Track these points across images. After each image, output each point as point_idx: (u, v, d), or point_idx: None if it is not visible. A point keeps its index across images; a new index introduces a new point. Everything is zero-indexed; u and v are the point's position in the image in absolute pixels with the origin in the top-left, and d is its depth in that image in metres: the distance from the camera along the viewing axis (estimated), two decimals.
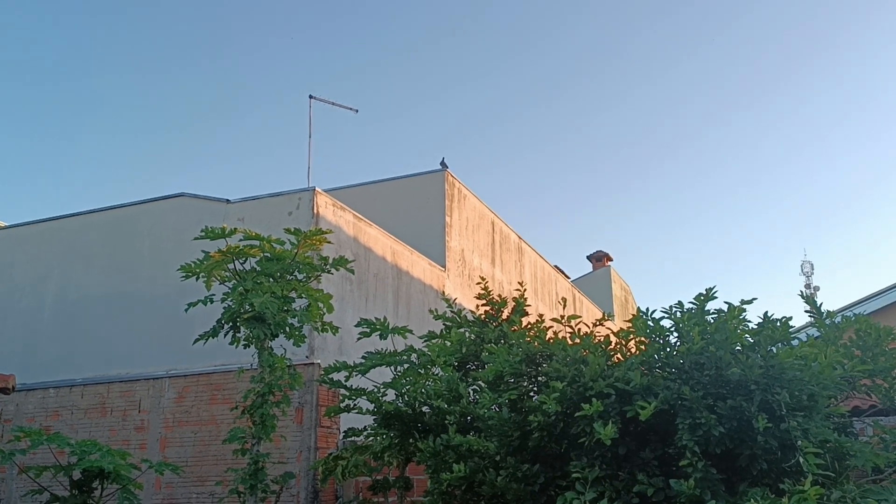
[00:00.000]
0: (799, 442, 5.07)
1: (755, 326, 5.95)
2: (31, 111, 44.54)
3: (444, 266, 15.05)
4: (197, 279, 7.52)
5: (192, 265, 7.50)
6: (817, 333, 6.88)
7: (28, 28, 40.51)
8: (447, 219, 15.42)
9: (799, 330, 8.64)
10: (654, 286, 54.27)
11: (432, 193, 15.67)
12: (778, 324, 5.83)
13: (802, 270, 25.34)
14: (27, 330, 12.97)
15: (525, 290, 8.48)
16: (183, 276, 7.55)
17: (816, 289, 26.29)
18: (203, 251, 7.60)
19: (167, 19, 42.40)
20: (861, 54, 45.61)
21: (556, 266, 22.12)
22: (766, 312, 5.96)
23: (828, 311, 6.74)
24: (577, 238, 56.93)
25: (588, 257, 29.02)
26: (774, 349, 5.78)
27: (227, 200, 11.92)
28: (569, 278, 24.53)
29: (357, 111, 16.11)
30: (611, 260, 28.68)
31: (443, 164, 16.14)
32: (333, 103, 15.43)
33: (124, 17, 41.43)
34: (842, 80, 46.97)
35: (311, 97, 15.01)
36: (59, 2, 40.44)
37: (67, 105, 45.12)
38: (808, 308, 6.78)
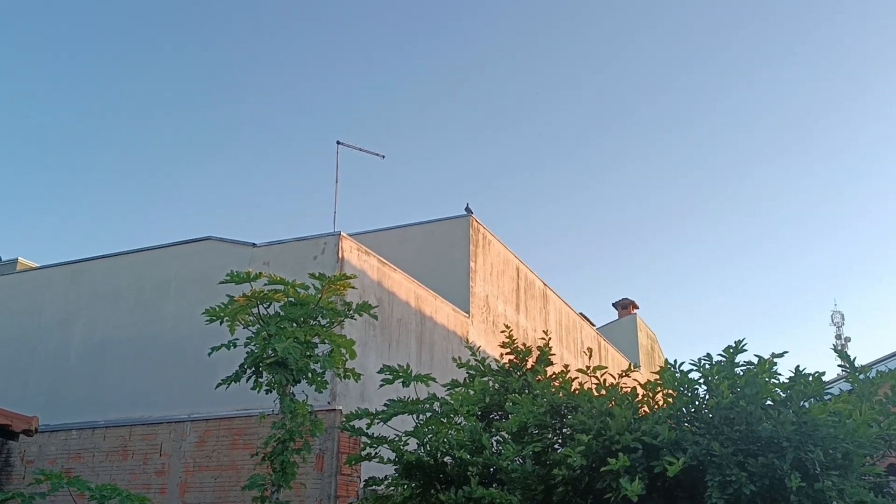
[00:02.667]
0: (834, 502, 4.90)
1: (786, 380, 5.81)
2: (63, 153, 45.57)
3: (468, 312, 14.96)
4: (221, 323, 7.52)
5: (217, 309, 7.50)
6: (850, 387, 6.70)
7: (65, 73, 41.66)
8: (471, 264, 15.38)
9: (831, 383, 8.43)
10: (681, 334, 53.61)
11: (457, 239, 15.66)
12: (810, 378, 5.69)
13: (833, 321, 24.98)
14: (53, 371, 13.05)
15: (550, 338, 8.39)
16: (207, 320, 7.55)
17: (848, 339, 25.82)
18: (228, 295, 7.61)
19: (197, 65, 43.43)
20: (892, 102, 45.40)
21: (581, 313, 21.92)
22: (798, 367, 5.83)
23: (861, 366, 6.57)
24: (602, 285, 56.59)
25: (614, 305, 28.77)
26: (807, 404, 5.63)
27: (254, 244, 12.00)
28: (594, 326, 24.28)
29: (384, 157, 16.26)
30: (636, 308, 28.40)
31: (467, 209, 16.16)
32: (360, 149, 15.59)
33: (156, 63, 42.51)
34: (872, 129, 46.72)
35: (338, 143, 15.19)
36: (98, 52, 41.61)
37: (97, 148, 46.13)
38: (840, 363, 6.61)
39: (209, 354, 7.51)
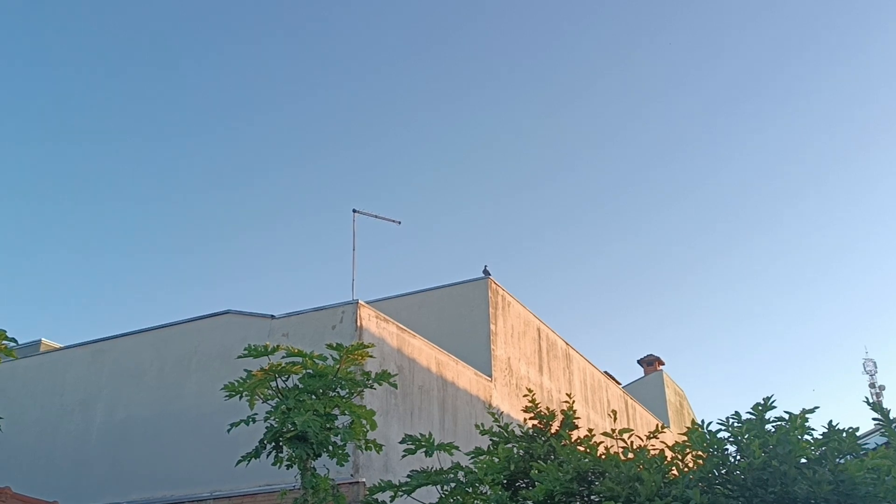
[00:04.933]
0: None
1: (819, 436, 5.62)
2: (82, 234, 46.33)
3: (490, 375, 14.77)
4: (240, 398, 7.47)
5: (236, 384, 7.47)
6: (885, 440, 6.47)
7: (73, 145, 42.68)
8: (492, 327, 15.25)
9: (866, 435, 8.16)
10: (710, 389, 52.59)
11: (476, 302, 15.58)
12: (844, 434, 5.50)
13: (865, 369, 24.38)
14: (75, 452, 12.96)
15: (574, 401, 8.22)
16: (226, 396, 7.50)
17: (882, 388, 25.15)
18: (246, 370, 7.57)
19: (211, 138, 44.35)
20: None
21: (605, 372, 21.58)
22: (831, 422, 5.64)
23: None
24: (625, 342, 55.91)
25: (639, 362, 28.33)
26: (842, 461, 5.43)
27: (272, 316, 11.99)
28: (619, 384, 23.88)
29: (400, 223, 16.31)
30: (662, 364, 27.95)
31: (486, 271, 16.12)
32: (377, 216, 15.67)
33: (170, 138, 43.49)
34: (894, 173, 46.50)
35: (354, 211, 15.28)
36: (113, 128, 42.70)
37: (115, 228, 46.91)
38: (876, 416, 6.40)
39: (228, 430, 7.43)
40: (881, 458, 5.34)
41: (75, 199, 44.07)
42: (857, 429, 5.52)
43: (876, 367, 23.76)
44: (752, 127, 45.56)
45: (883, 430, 6.45)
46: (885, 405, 6.56)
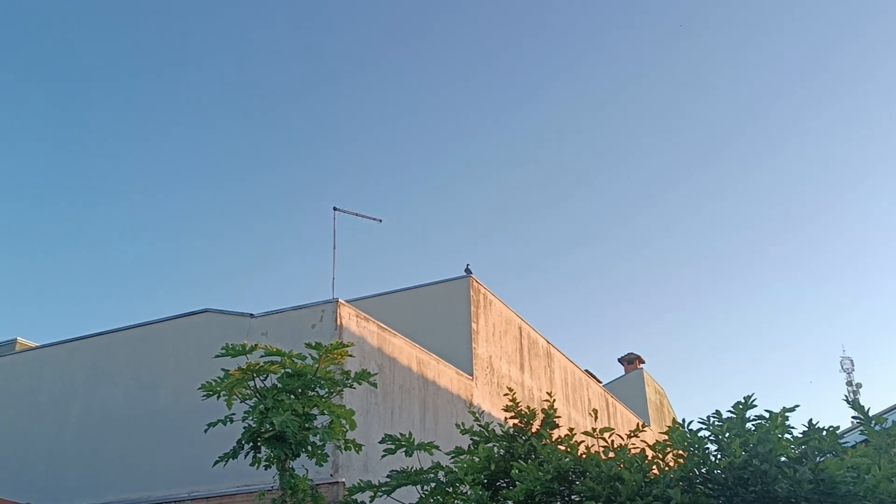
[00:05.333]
0: None
1: (800, 435, 5.62)
2: (57, 230, 45.79)
3: (471, 374, 14.73)
4: (218, 398, 7.37)
5: (213, 383, 7.37)
6: (864, 438, 6.49)
7: (52, 142, 42.20)
8: (473, 325, 15.21)
9: (845, 433, 8.20)
10: (690, 387, 52.92)
11: (457, 300, 15.53)
12: (824, 433, 5.50)
13: (842, 367, 24.64)
14: (50, 453, 12.77)
15: (554, 400, 8.20)
16: (204, 395, 7.40)
17: (859, 385, 25.43)
18: (224, 369, 7.47)
19: (188, 132, 43.98)
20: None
21: (586, 370, 21.63)
22: (811, 420, 5.65)
23: (876, 416, 6.37)
24: (606, 340, 56.15)
25: (619, 360, 28.44)
26: (822, 459, 5.43)
27: (251, 315, 11.87)
28: (601, 383, 23.94)
29: (381, 221, 16.19)
30: (643, 362, 28.07)
31: (467, 270, 16.07)
32: (357, 214, 15.56)
33: (144, 132, 43.08)
34: (880, 167, 47.05)
35: (335, 209, 15.16)
36: (90, 128, 42.25)
37: (91, 227, 46.41)
38: (855, 415, 6.42)
39: (205, 430, 7.33)
40: (861, 456, 5.35)
41: (51, 197, 43.57)
42: (838, 427, 5.54)
43: (853, 366, 24.04)
44: (710, 119, 45.93)
45: (862, 429, 6.47)
46: (862, 402, 6.59)
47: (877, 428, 6.29)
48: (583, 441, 6.56)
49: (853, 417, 6.46)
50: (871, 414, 6.42)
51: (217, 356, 7.54)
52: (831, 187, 47.83)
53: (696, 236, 50.59)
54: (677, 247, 51.63)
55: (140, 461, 11.87)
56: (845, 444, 5.95)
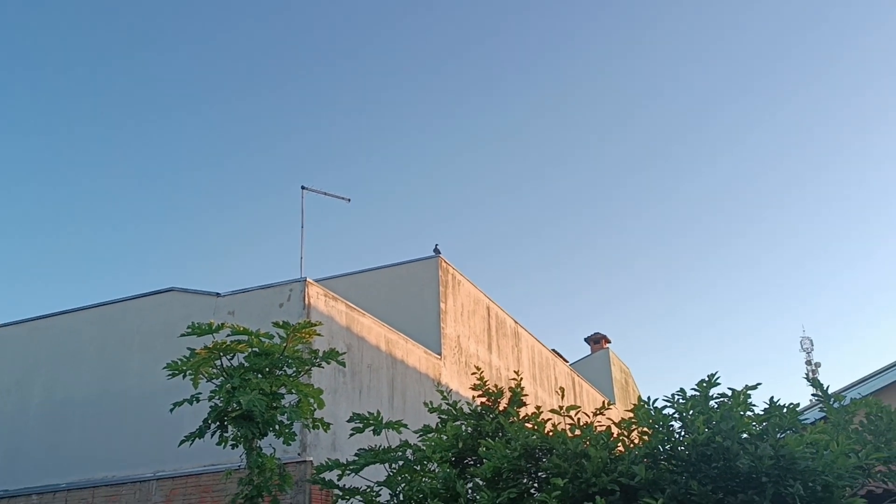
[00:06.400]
0: None
1: (761, 412, 5.74)
2: (19, 208, 44.83)
3: (439, 354, 14.78)
4: (184, 377, 7.30)
5: (179, 363, 7.29)
6: (824, 415, 6.66)
7: (23, 123, 41.23)
8: (441, 305, 15.24)
9: (804, 411, 8.40)
10: (654, 366, 53.69)
11: (426, 280, 15.54)
12: (785, 410, 5.63)
13: (802, 347, 25.09)
14: (11, 433, 12.57)
15: (522, 378, 8.26)
16: (169, 375, 7.33)
17: (818, 365, 25.95)
18: (190, 348, 7.40)
19: (155, 113, 43.20)
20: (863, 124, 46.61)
21: (553, 350, 21.82)
22: (773, 398, 5.77)
23: (835, 394, 6.53)
24: (573, 320, 56.63)
25: (586, 339, 28.72)
26: (783, 436, 5.55)
27: (218, 294, 11.75)
28: (567, 362, 24.18)
29: (349, 200, 16.09)
30: (609, 342, 28.38)
31: (436, 250, 16.08)
32: (326, 193, 15.43)
33: (111, 112, 42.25)
34: (839, 156, 47.84)
35: (303, 188, 15.01)
36: (63, 110, 41.30)
37: (54, 202, 45.49)
38: (814, 392, 6.57)
39: (171, 410, 7.27)
40: (820, 432, 5.49)
41: (15, 177, 42.58)
42: (798, 405, 5.67)
43: (812, 345, 24.50)
44: (679, 104, 46.34)
45: (821, 406, 6.63)
46: (821, 381, 6.75)
47: (835, 405, 6.45)
48: (549, 419, 6.62)
49: (812, 395, 6.62)
50: (829, 392, 6.59)
51: (183, 335, 7.47)
52: (794, 174, 48.58)
53: (663, 220, 51.11)
54: (645, 230, 52.12)
55: (104, 441, 11.75)
56: (805, 421, 6.09)
